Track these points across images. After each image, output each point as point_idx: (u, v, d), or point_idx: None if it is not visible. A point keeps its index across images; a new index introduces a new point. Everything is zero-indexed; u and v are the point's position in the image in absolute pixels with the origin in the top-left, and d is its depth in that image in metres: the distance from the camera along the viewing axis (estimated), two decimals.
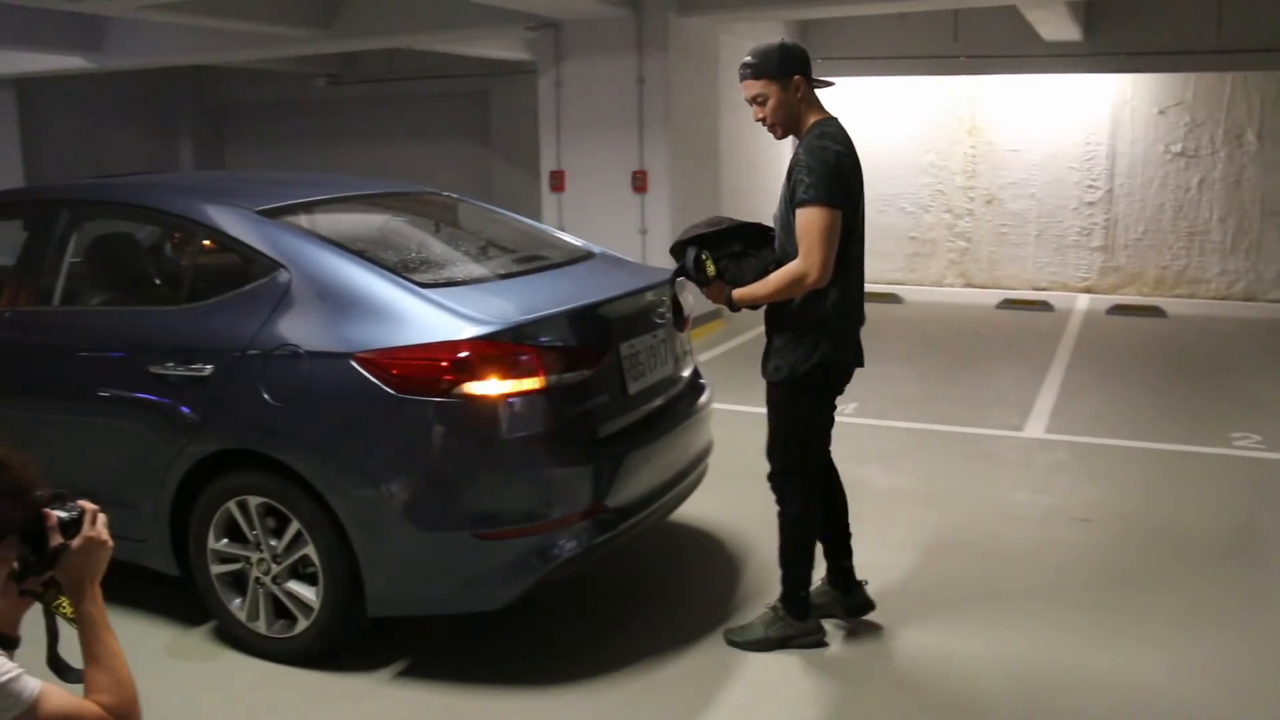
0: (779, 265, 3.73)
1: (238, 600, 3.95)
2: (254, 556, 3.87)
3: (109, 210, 4.77)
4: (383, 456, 3.66)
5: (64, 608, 2.07)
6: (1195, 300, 12.66)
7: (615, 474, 3.87)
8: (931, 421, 7.28)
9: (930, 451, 6.69)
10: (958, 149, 13.66)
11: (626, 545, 4.15)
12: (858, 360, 3.93)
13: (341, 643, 3.86)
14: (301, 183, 5.09)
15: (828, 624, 4.10)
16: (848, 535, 4.20)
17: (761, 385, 3.95)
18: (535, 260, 4.59)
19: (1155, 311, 11.87)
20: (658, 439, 4.15)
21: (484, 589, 3.72)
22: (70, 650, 2.11)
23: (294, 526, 3.76)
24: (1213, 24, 11.47)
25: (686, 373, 4.64)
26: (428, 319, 3.65)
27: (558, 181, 10.56)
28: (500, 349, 3.60)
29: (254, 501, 3.83)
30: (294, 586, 3.82)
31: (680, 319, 4.24)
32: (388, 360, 3.59)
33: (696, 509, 4.99)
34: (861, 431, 7.00)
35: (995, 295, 12.97)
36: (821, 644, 4.00)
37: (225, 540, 3.93)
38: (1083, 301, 12.65)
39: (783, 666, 3.89)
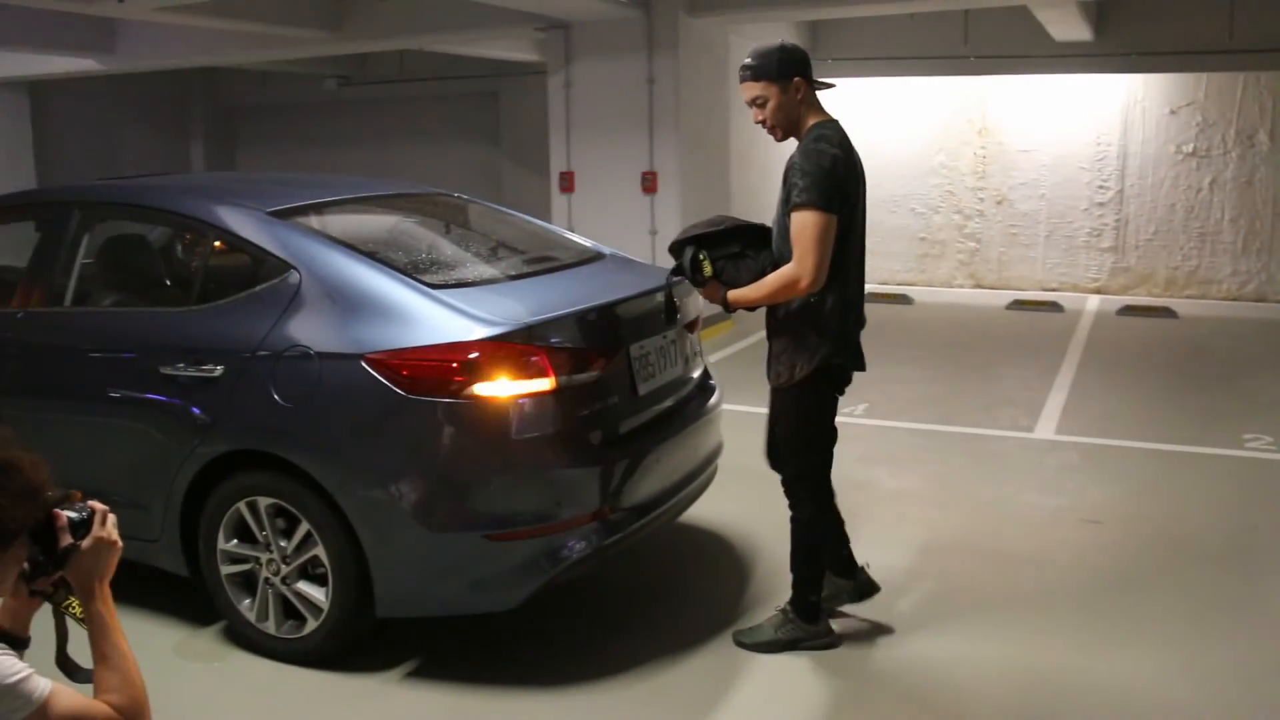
0: (777, 268, 3.73)
1: (247, 601, 3.95)
2: (264, 557, 3.88)
3: (120, 211, 4.78)
4: (393, 457, 3.67)
5: (74, 608, 2.08)
6: (1206, 301, 12.61)
7: (625, 475, 3.87)
8: (941, 422, 7.27)
9: (940, 452, 6.67)
10: (968, 150, 13.62)
11: (636, 546, 4.15)
12: (858, 364, 3.92)
13: (351, 643, 3.86)
14: (312, 184, 5.11)
15: (837, 625, 4.09)
16: (842, 523, 4.20)
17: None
18: (545, 261, 4.59)
19: (1166, 312, 11.82)
20: (667, 440, 4.14)
21: (493, 590, 3.72)
22: (80, 650, 2.11)
23: (304, 527, 3.77)
24: (1225, 23, 11.42)
25: (696, 374, 4.63)
26: (438, 320, 3.65)
27: (567, 182, 10.56)
28: (511, 350, 3.59)
29: (264, 502, 3.84)
30: (303, 587, 3.83)
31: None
32: (398, 361, 3.59)
33: (706, 510, 4.98)
34: (871, 432, 6.99)
35: (1005, 296, 12.93)
36: (831, 646, 3.99)
37: (235, 541, 3.93)
38: (1093, 302, 12.61)
39: (792, 668, 3.89)
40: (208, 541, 3.96)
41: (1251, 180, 12.48)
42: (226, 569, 3.96)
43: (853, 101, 13.61)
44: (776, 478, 4.05)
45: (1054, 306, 12.25)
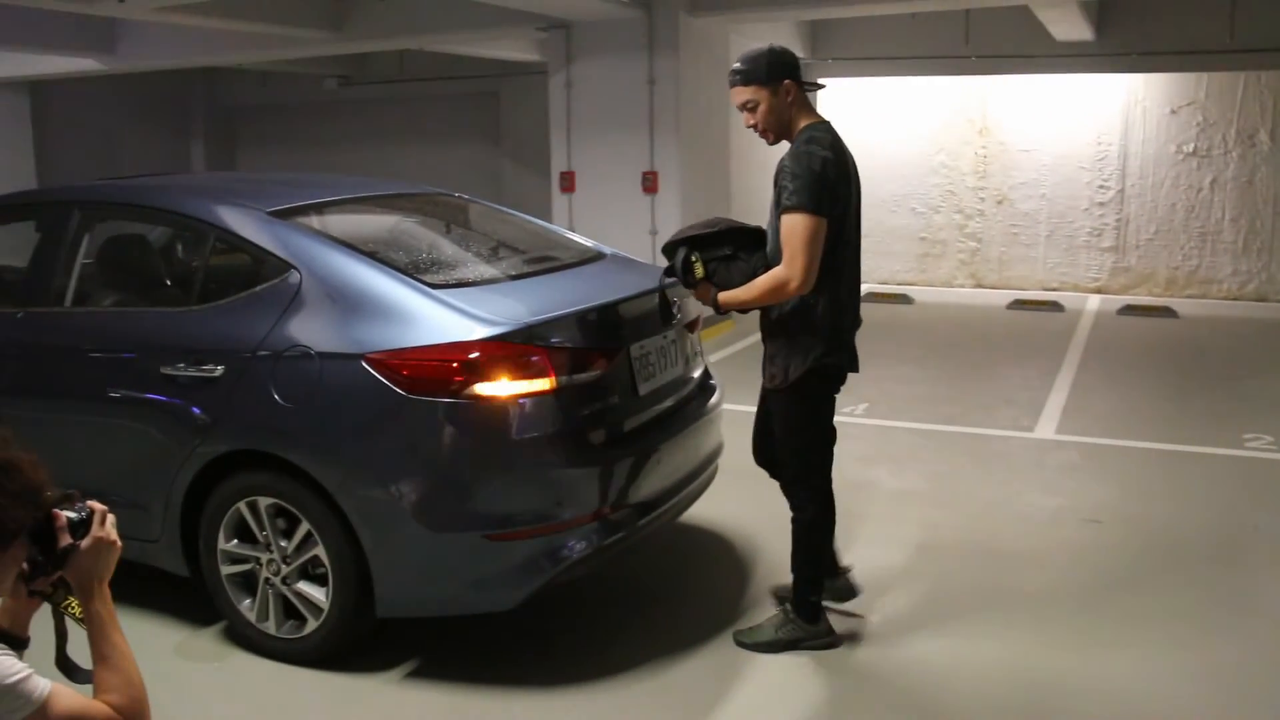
0: (769, 269, 3.73)
1: (248, 601, 3.95)
2: (264, 557, 3.88)
3: (120, 211, 4.78)
4: (393, 457, 3.67)
5: (73, 608, 2.08)
6: (1207, 301, 12.61)
7: (625, 475, 3.87)
8: (942, 422, 7.26)
9: (940, 452, 6.67)
10: (968, 149, 13.62)
11: (636, 546, 4.15)
12: (852, 364, 3.92)
13: (351, 643, 3.86)
14: (312, 184, 5.10)
15: (837, 625, 4.09)
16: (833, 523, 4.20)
17: None
18: (546, 261, 4.59)
19: (1166, 312, 11.82)
20: (668, 440, 4.14)
21: (493, 590, 3.72)
22: (79, 651, 2.11)
23: (304, 527, 3.77)
24: (1225, 23, 11.42)
25: (697, 374, 4.63)
26: (439, 320, 3.65)
27: (568, 182, 10.55)
28: (511, 350, 3.59)
29: (264, 502, 3.84)
30: (304, 587, 3.83)
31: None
32: (398, 361, 3.59)
33: (706, 510, 4.98)
34: (871, 432, 6.99)
35: (1006, 296, 12.93)
36: (831, 646, 3.99)
37: (235, 541, 3.93)
38: (1094, 302, 12.61)
39: (792, 668, 3.88)
40: (208, 542, 3.96)
41: (1252, 180, 12.48)
42: (227, 569, 3.96)
43: (854, 101, 13.64)
44: (777, 477, 4.06)
45: (1055, 306, 12.25)
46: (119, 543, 2.11)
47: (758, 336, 4.01)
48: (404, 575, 3.72)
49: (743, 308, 3.83)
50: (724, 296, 3.81)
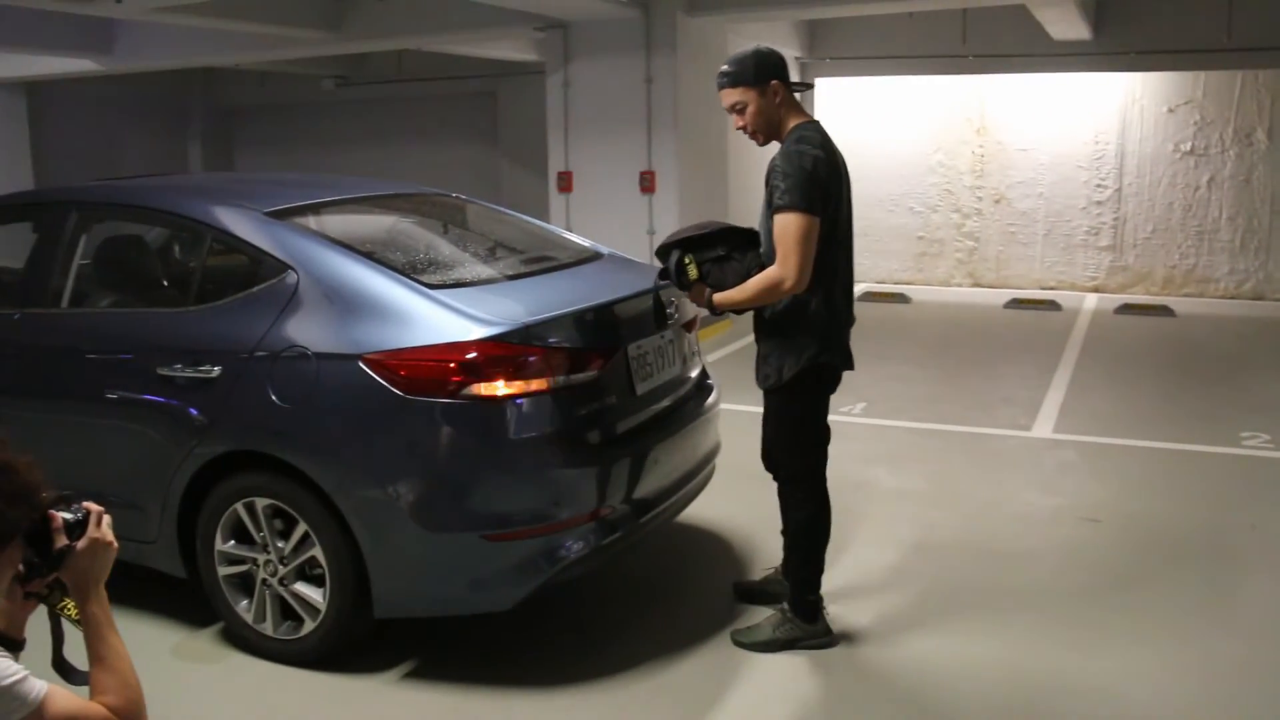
0: (763, 270, 3.73)
1: (245, 602, 3.95)
2: (261, 558, 3.87)
3: (117, 212, 4.77)
4: (390, 458, 3.66)
5: (69, 609, 2.08)
6: (1204, 299, 12.62)
7: (623, 475, 3.87)
8: (939, 421, 7.27)
9: (938, 451, 6.67)
10: (966, 148, 13.63)
11: (634, 546, 4.15)
12: (846, 363, 3.92)
13: (348, 644, 3.86)
14: (309, 184, 5.10)
15: (835, 625, 4.09)
16: None
17: None
18: (543, 261, 4.59)
19: (1164, 311, 11.83)
20: (666, 440, 4.14)
21: (491, 590, 3.72)
22: (76, 652, 2.11)
23: (301, 528, 3.76)
24: (1223, 22, 11.43)
25: (694, 373, 4.63)
26: (436, 320, 3.65)
27: (565, 182, 10.56)
28: (508, 350, 3.59)
29: (261, 503, 3.83)
30: (301, 588, 3.82)
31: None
32: (396, 361, 3.59)
33: (704, 509, 4.98)
34: (869, 431, 6.99)
35: (1003, 295, 12.93)
36: (829, 645, 3.99)
37: (232, 542, 3.93)
38: (1091, 301, 12.61)
39: (790, 668, 3.88)
40: (205, 543, 3.96)
41: (1249, 178, 12.49)
42: (224, 570, 3.95)
43: (851, 101, 13.65)
44: (774, 477, 4.05)
45: (1052, 305, 12.25)
46: (115, 544, 2.11)
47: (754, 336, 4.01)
48: (401, 576, 3.72)
49: (738, 308, 3.84)
50: (719, 297, 3.81)
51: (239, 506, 3.87)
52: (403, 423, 3.61)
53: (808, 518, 3.95)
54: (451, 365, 3.55)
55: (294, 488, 3.73)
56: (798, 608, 3.98)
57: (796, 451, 3.94)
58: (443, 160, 15.96)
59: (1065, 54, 12.19)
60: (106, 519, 2.10)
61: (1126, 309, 11.95)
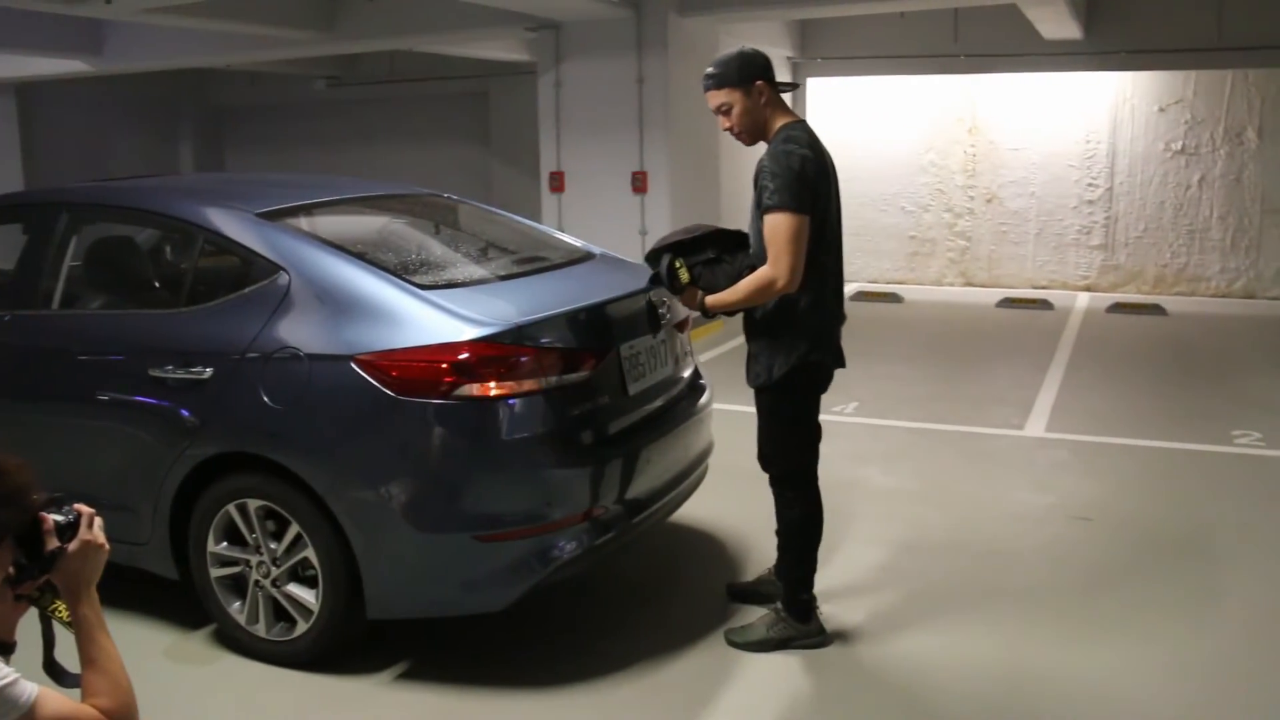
0: (754, 270, 3.74)
1: (237, 603, 3.94)
2: (253, 560, 3.86)
3: (109, 213, 4.76)
4: (382, 459, 3.66)
5: (60, 612, 2.07)
6: (1195, 298, 12.66)
7: (616, 475, 3.87)
8: (932, 420, 7.27)
9: (930, 450, 6.68)
10: (958, 148, 13.65)
11: (627, 546, 4.15)
12: (838, 361, 3.93)
13: (341, 645, 3.85)
14: (301, 185, 5.09)
15: (828, 624, 4.10)
16: None
17: None
18: (535, 261, 4.59)
19: (1155, 309, 11.85)
20: (658, 440, 4.14)
21: (484, 591, 3.71)
22: (67, 655, 2.11)
23: (293, 529, 3.76)
24: (1213, 21, 11.47)
25: (687, 373, 4.63)
26: (428, 321, 3.64)
27: (557, 182, 10.55)
28: (500, 350, 3.59)
29: (253, 504, 3.82)
30: (294, 589, 3.82)
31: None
32: (388, 362, 3.58)
33: (697, 509, 4.98)
34: (861, 431, 7.00)
35: (995, 294, 12.95)
36: (822, 645, 4.00)
37: (225, 544, 3.92)
38: (1083, 300, 12.64)
39: (784, 667, 3.89)
40: (197, 544, 3.95)
41: (1240, 178, 12.52)
42: (216, 572, 3.94)
43: (843, 101, 13.66)
44: (767, 477, 4.06)
45: (1044, 304, 12.28)
46: (107, 546, 2.10)
47: None
48: (394, 577, 3.71)
49: (730, 310, 3.84)
50: (711, 300, 3.81)
51: (231, 508, 3.86)
52: (395, 424, 3.60)
53: (800, 517, 3.96)
54: (443, 366, 3.54)
55: (286, 489, 3.72)
56: (791, 607, 3.99)
57: (787, 450, 3.94)
58: (434, 160, 15.96)
59: (1056, 53, 12.22)
60: (98, 521, 2.10)
61: (1118, 308, 11.98)
